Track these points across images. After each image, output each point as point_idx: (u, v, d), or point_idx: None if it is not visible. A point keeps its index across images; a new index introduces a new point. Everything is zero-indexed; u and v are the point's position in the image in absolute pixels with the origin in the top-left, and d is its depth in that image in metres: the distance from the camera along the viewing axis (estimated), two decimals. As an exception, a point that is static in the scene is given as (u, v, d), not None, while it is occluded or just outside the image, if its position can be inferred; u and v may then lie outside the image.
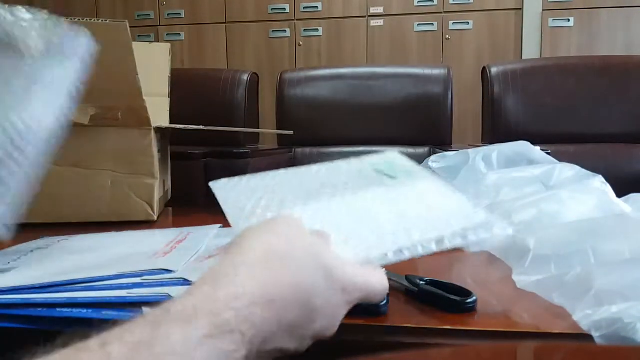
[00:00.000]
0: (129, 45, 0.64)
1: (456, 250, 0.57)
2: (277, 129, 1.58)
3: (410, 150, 1.49)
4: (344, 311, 0.28)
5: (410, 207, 0.35)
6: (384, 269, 0.31)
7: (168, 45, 0.96)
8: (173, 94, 0.95)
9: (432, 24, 2.53)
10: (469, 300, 0.39)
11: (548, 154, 0.81)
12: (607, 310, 0.34)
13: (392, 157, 0.42)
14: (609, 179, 0.64)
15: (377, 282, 0.30)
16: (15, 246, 0.55)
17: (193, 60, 2.66)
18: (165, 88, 0.93)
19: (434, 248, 0.33)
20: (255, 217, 0.33)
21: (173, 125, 0.81)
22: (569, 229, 0.46)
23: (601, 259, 0.42)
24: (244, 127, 1.57)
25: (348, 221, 0.33)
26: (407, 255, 0.32)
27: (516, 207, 0.54)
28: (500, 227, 0.33)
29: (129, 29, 0.64)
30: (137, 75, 0.66)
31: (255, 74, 1.72)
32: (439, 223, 0.34)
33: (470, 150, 0.80)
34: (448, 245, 0.33)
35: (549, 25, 2.41)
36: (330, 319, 0.27)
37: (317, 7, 2.59)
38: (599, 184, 0.61)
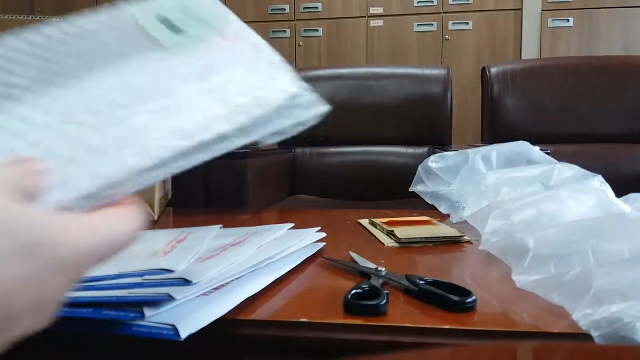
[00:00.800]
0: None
1: (456, 250, 0.57)
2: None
3: (410, 150, 1.49)
4: (63, 295, 0.18)
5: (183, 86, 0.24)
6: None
7: (168, 45, 0.95)
8: (173, 94, 0.94)
9: (432, 25, 2.53)
10: (468, 300, 0.39)
11: (547, 154, 0.81)
12: (606, 309, 0.34)
13: None
14: (608, 179, 0.64)
15: (121, 228, 0.19)
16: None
17: (193, 61, 2.65)
18: (165, 88, 0.92)
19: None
20: None
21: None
22: (568, 229, 0.46)
23: (601, 259, 0.42)
24: (244, 127, 1.57)
25: (85, 124, 0.21)
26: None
27: (516, 207, 0.54)
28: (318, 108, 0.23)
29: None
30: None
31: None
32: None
33: (469, 151, 0.80)
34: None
35: (549, 26, 2.41)
36: (40, 314, 0.17)
37: (317, 7, 2.59)
38: (599, 184, 0.61)
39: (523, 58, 2.40)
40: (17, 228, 0.16)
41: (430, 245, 0.59)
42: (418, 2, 2.52)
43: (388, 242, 0.61)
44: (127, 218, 0.20)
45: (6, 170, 0.18)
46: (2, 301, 0.15)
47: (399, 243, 0.59)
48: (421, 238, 0.59)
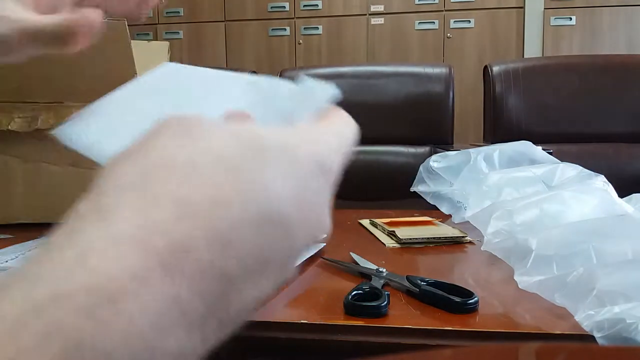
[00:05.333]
0: (128, 43, 0.64)
1: (458, 250, 0.57)
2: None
3: (411, 149, 1.49)
4: (328, 196, 0.18)
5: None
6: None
7: (167, 43, 0.96)
8: (173, 93, 0.94)
9: (433, 22, 2.52)
10: (470, 301, 0.38)
11: (550, 153, 0.81)
12: (609, 310, 0.34)
13: None
14: (611, 179, 0.63)
15: (347, 128, 0.20)
16: (13, 245, 0.54)
17: (192, 59, 2.66)
18: (164, 87, 0.92)
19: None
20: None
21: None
22: (571, 229, 0.46)
23: (603, 260, 0.42)
24: (245, 126, 1.57)
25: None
26: None
27: (518, 207, 0.54)
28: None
29: (127, 27, 0.64)
30: (136, 74, 0.66)
31: (255, 72, 1.72)
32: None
33: (471, 150, 0.79)
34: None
35: (551, 24, 2.40)
36: (315, 216, 0.17)
37: (317, 5, 2.58)
38: (601, 184, 0.60)
39: (525, 56, 2.39)
40: (261, 136, 0.15)
41: (431, 245, 0.59)
42: (419, 0, 2.51)
43: (389, 242, 0.60)
44: (345, 120, 0.20)
45: None
46: (261, 206, 0.14)
47: (400, 243, 0.59)
48: (422, 238, 0.59)
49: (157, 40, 2.65)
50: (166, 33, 2.71)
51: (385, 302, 0.38)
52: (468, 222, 0.66)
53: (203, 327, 0.13)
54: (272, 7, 2.58)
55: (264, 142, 0.15)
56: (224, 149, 0.15)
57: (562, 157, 0.78)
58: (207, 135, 0.15)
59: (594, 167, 0.67)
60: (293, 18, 2.59)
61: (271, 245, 0.14)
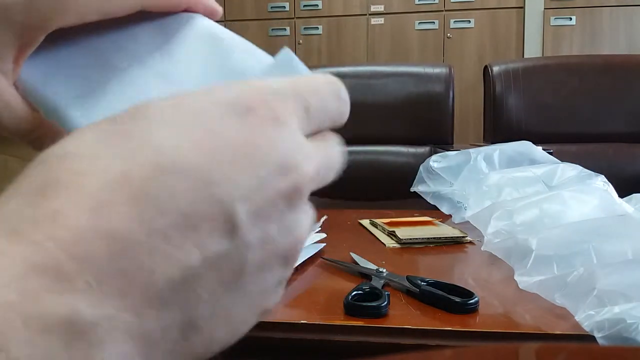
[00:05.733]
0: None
1: (458, 251, 0.57)
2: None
3: (411, 149, 1.48)
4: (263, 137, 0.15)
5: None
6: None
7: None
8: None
9: (433, 22, 2.52)
10: (470, 301, 0.38)
11: (550, 153, 0.81)
12: (609, 310, 0.34)
13: None
14: (611, 179, 0.63)
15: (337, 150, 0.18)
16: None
17: (193, 59, 2.65)
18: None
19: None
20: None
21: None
22: (571, 229, 0.46)
23: (603, 260, 0.42)
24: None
25: None
26: None
27: (518, 207, 0.54)
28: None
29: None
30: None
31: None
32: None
33: (471, 150, 0.79)
34: None
35: (551, 24, 2.40)
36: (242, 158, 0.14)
37: (317, 5, 2.58)
38: (601, 184, 0.61)
39: (525, 56, 2.39)
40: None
41: (431, 245, 0.59)
42: (419, 0, 2.51)
43: (389, 242, 0.60)
44: (335, 142, 0.18)
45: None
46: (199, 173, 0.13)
47: (400, 243, 0.59)
48: (422, 238, 0.59)
49: (157, 40, 2.64)
50: (166, 33, 2.70)
51: (385, 302, 0.38)
52: (468, 222, 0.66)
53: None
54: (272, 7, 2.58)
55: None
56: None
57: (562, 157, 0.78)
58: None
59: (594, 167, 0.67)
60: (293, 18, 2.59)
61: (179, 196, 0.12)
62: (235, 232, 0.13)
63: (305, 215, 0.15)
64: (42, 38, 0.19)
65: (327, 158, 0.17)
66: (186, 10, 0.23)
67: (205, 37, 0.23)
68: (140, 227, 0.12)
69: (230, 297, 0.14)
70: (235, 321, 0.14)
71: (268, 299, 0.15)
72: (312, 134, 0.16)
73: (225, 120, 0.14)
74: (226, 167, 0.13)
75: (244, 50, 0.23)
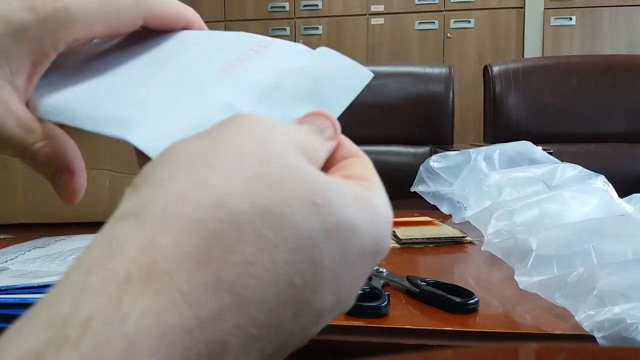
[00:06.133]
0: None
1: (458, 251, 0.57)
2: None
3: (411, 149, 1.48)
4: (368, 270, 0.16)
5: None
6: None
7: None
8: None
9: (433, 22, 2.52)
10: (470, 301, 0.38)
11: (550, 153, 0.81)
12: (609, 310, 0.34)
13: None
14: (611, 179, 0.63)
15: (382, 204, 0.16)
16: (13, 245, 0.54)
17: (193, 59, 2.65)
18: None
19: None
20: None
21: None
22: (571, 230, 0.46)
23: (603, 260, 0.42)
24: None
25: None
26: None
27: (518, 207, 0.54)
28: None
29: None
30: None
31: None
32: None
33: (471, 150, 0.79)
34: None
35: (551, 24, 2.40)
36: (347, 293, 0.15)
37: (317, 5, 2.58)
38: (601, 184, 0.61)
39: (525, 56, 2.39)
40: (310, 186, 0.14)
41: (431, 245, 0.59)
42: (419, 0, 2.51)
43: (389, 242, 0.60)
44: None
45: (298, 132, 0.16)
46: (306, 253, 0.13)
47: (400, 243, 0.59)
48: (422, 238, 0.59)
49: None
50: (166, 33, 2.70)
51: (386, 302, 0.38)
52: (468, 222, 0.66)
53: None
54: (272, 7, 2.58)
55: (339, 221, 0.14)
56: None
57: (562, 157, 0.78)
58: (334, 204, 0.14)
59: (594, 167, 0.67)
60: (293, 18, 2.59)
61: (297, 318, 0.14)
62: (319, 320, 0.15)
63: None
64: (54, 55, 0.20)
65: None
66: (184, 28, 0.23)
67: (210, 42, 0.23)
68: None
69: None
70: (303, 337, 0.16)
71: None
72: None
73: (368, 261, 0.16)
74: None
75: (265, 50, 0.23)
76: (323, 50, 0.23)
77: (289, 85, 0.20)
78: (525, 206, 0.53)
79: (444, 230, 0.63)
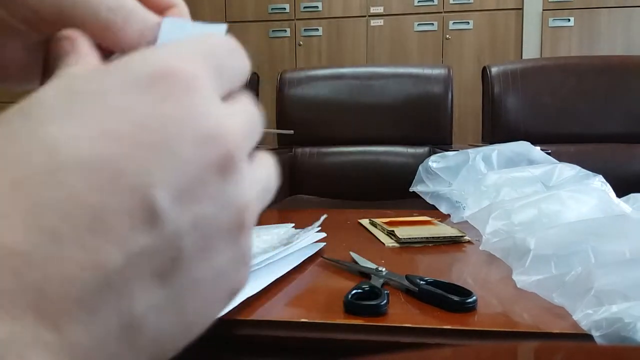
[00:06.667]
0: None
1: (457, 250, 0.57)
2: (277, 129, 1.58)
3: (411, 149, 1.49)
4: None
5: None
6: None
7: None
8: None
9: (432, 24, 2.52)
10: (469, 300, 0.39)
11: (548, 154, 0.82)
12: (607, 310, 0.34)
13: None
14: (609, 179, 0.64)
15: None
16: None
17: (193, 60, 2.64)
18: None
19: None
20: None
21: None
22: (569, 229, 0.46)
23: (601, 259, 0.42)
24: (244, 127, 1.56)
25: None
26: None
27: (516, 207, 0.54)
28: None
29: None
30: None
31: (255, 73, 1.72)
32: None
33: (470, 150, 0.80)
34: None
35: (549, 25, 2.41)
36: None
37: (317, 6, 2.59)
38: (599, 184, 0.61)
39: (524, 58, 2.40)
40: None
41: (430, 245, 0.59)
42: (418, 2, 2.52)
43: (388, 242, 0.61)
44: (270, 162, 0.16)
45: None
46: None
47: (399, 243, 0.59)
48: (421, 238, 0.59)
49: (156, 41, 2.64)
50: (166, 34, 2.70)
51: (385, 301, 0.38)
52: (467, 221, 0.66)
53: None
54: (272, 9, 2.58)
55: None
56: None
57: (560, 158, 0.78)
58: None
59: (592, 167, 0.67)
60: (293, 19, 2.59)
61: (82, 195, 0.11)
62: (158, 221, 0.11)
63: (251, 176, 0.14)
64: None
65: (250, 116, 0.15)
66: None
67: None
68: (40, 236, 0.10)
69: (174, 290, 0.12)
70: (190, 313, 0.13)
71: (229, 281, 0.13)
72: (225, 96, 0.14)
73: (127, 97, 0.12)
74: (134, 151, 0.11)
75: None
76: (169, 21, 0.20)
77: None
78: (524, 206, 0.54)
79: (442, 230, 0.63)
